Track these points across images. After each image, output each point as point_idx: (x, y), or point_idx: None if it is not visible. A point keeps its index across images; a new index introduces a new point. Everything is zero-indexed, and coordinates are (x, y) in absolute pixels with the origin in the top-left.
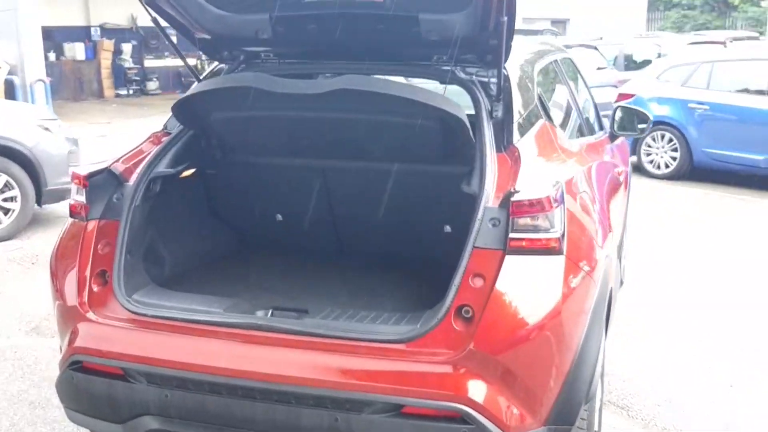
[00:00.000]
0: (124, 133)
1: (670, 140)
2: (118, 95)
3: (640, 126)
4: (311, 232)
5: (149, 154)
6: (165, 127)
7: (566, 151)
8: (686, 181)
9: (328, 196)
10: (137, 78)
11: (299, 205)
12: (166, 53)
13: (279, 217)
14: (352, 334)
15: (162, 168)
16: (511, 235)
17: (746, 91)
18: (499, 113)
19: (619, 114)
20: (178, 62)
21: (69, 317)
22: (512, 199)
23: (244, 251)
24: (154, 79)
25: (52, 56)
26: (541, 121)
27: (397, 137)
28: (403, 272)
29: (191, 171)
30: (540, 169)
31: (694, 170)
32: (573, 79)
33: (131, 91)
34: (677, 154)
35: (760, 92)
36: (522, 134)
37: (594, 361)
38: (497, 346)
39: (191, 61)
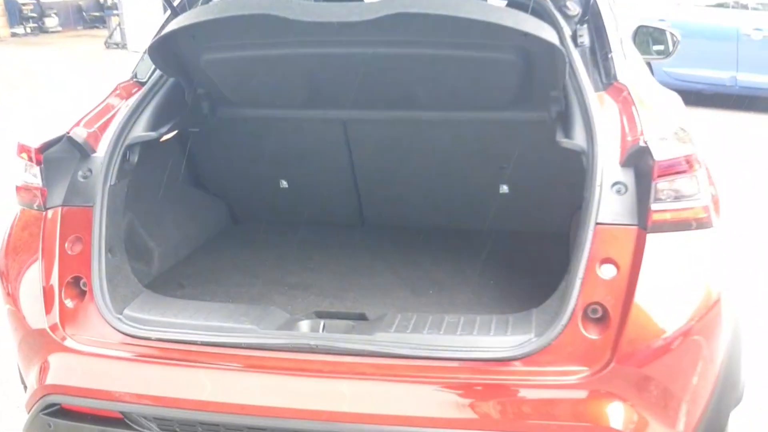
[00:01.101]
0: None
1: None
2: (14, 35)
3: (657, 48)
4: (326, 202)
5: (119, 112)
6: (134, 75)
7: (661, 88)
8: None
9: (349, 155)
10: (34, 15)
11: (311, 167)
12: None
13: (284, 183)
14: (446, 352)
15: (140, 131)
16: (654, 205)
17: (710, 6)
18: (585, 39)
19: (640, 35)
20: None
21: (35, 343)
22: (655, 156)
23: (242, 231)
24: (53, 15)
25: None
26: (633, 50)
27: (460, 77)
28: (458, 251)
29: (174, 132)
30: (660, 114)
31: None
32: None
33: (28, 30)
34: None
35: (722, 5)
36: (620, 68)
37: (741, 355)
38: (645, 357)
39: None
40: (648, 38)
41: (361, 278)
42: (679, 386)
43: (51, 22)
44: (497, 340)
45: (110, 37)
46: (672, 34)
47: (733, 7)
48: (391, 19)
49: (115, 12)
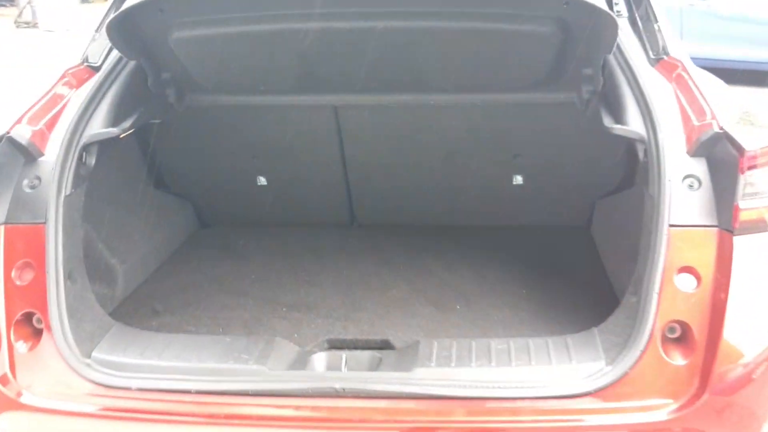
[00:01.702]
0: None
1: None
2: None
3: None
4: (311, 200)
5: (69, 104)
6: (84, 59)
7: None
8: None
9: (340, 146)
10: None
11: (295, 160)
12: None
13: (261, 180)
14: (507, 390)
15: (98, 127)
16: (742, 203)
17: None
18: (621, 8)
19: None
20: None
21: None
22: (745, 146)
23: (212, 237)
24: None
25: None
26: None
27: (483, 54)
28: (472, 252)
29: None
30: (720, 95)
31: None
32: None
33: None
34: None
35: None
36: (670, 40)
37: None
38: (738, 383)
39: None
40: None
41: (370, 292)
42: (764, 410)
43: None
44: (561, 370)
45: (20, 16)
46: None
47: None
48: None
49: None
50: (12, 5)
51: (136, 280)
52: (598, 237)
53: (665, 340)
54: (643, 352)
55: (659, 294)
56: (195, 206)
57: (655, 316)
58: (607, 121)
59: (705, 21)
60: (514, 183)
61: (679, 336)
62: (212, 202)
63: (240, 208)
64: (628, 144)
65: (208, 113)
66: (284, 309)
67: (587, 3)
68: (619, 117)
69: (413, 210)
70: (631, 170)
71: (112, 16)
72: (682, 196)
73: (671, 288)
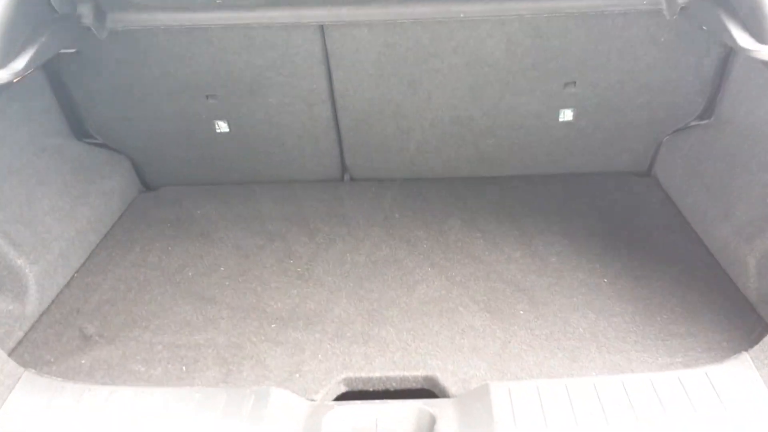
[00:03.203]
0: None
1: None
2: None
3: None
4: (290, 149)
5: None
6: None
7: None
8: None
9: (328, 77)
10: None
11: (266, 100)
12: None
13: (221, 126)
14: None
15: None
16: None
17: None
18: None
19: None
20: None
21: None
22: None
23: (159, 202)
24: None
25: None
26: None
27: None
28: (516, 216)
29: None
30: None
31: None
32: None
33: None
34: None
35: None
36: None
37: None
38: None
39: None
40: None
41: (390, 289)
42: None
43: None
44: (713, 427)
45: None
46: None
47: None
48: None
49: None
50: None
51: (54, 287)
52: (672, 187)
53: None
54: None
55: None
56: (133, 162)
57: None
58: (743, 40)
59: None
60: (561, 119)
61: None
62: (157, 156)
63: (194, 162)
64: (719, 64)
65: (142, 38)
66: (273, 326)
67: None
68: (761, 33)
69: (425, 159)
70: (714, 98)
71: None
72: None
73: None
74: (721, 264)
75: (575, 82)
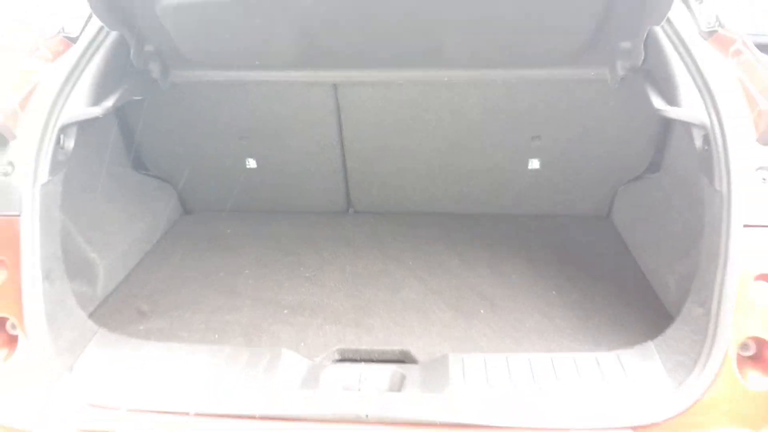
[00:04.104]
0: None
1: None
2: None
3: None
4: (305, 184)
5: (45, 81)
6: (61, 29)
7: None
8: None
9: (338, 126)
10: None
11: (289, 142)
12: None
13: (251, 163)
14: (553, 420)
15: (78, 106)
16: None
17: None
18: None
19: None
20: None
21: None
22: None
23: (198, 225)
24: None
25: None
26: None
27: (516, 25)
28: (483, 244)
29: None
30: None
31: None
32: None
33: None
34: None
35: None
36: (723, 11)
37: None
38: None
39: None
40: None
41: (380, 292)
42: None
43: None
44: (619, 395)
45: None
46: None
47: None
48: None
49: None
50: None
51: (118, 276)
52: (623, 227)
53: (740, 359)
54: (717, 375)
55: (734, 305)
56: (178, 191)
57: (729, 332)
58: (657, 102)
59: None
60: (530, 168)
61: (754, 354)
62: (197, 186)
63: (227, 192)
64: (662, 125)
65: (194, 90)
66: (286, 312)
67: None
68: (671, 98)
69: (417, 196)
70: (660, 154)
71: None
72: (755, 191)
73: (746, 299)
74: (652, 285)
75: (540, 137)
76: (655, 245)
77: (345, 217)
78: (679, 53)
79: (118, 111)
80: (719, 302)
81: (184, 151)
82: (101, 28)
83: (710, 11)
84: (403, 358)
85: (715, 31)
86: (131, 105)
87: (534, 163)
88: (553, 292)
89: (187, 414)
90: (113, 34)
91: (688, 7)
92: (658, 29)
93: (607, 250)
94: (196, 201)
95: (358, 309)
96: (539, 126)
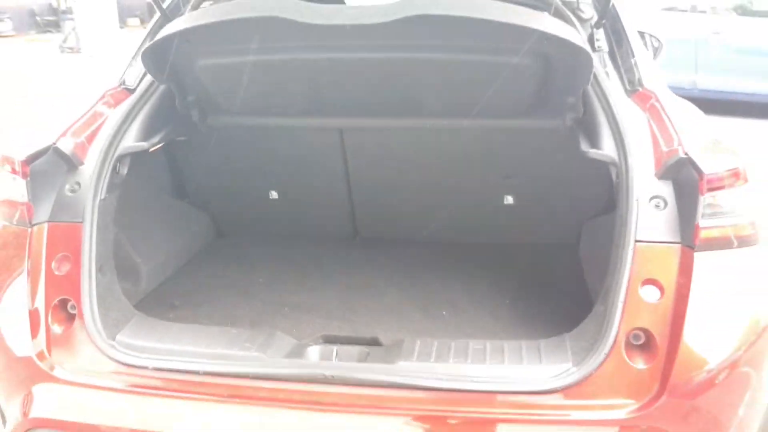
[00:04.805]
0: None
1: None
2: None
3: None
4: (318, 214)
5: (107, 121)
6: (122, 81)
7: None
8: None
9: (344, 164)
10: None
11: (303, 177)
12: None
13: (273, 194)
14: (480, 384)
15: (131, 141)
16: (703, 222)
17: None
18: (603, 44)
19: None
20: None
21: (19, 372)
22: (704, 170)
23: (228, 246)
24: (6, 19)
25: None
26: (649, 54)
27: (473, 83)
28: (463, 267)
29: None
30: (692, 124)
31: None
32: None
33: None
34: None
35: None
36: (646, 73)
37: None
38: (696, 388)
39: None
40: None
41: (366, 298)
42: (727, 417)
43: (4, 26)
44: (531, 369)
45: (65, 41)
46: (655, 38)
47: (690, 11)
48: (408, 22)
49: (69, 16)
50: (58, 31)
51: (157, 279)
52: (584, 256)
53: (630, 346)
54: (608, 356)
55: (624, 303)
56: (213, 217)
57: (620, 323)
58: (584, 146)
59: (721, 54)
60: (505, 203)
61: (643, 343)
62: (229, 214)
63: (254, 219)
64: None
65: (226, 132)
66: (287, 309)
67: (564, 39)
68: (594, 142)
69: (411, 226)
70: (614, 194)
71: (146, 45)
72: (648, 214)
73: (636, 298)
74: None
75: (511, 177)
76: (599, 268)
77: (352, 243)
78: (603, 107)
79: (166, 149)
80: (613, 301)
81: (219, 184)
82: (153, 82)
83: (636, 75)
84: (372, 342)
85: (637, 90)
86: (177, 144)
87: (509, 199)
88: (507, 301)
89: (197, 372)
90: (162, 87)
91: (619, 72)
92: (589, 88)
93: (565, 273)
94: (227, 225)
95: (345, 310)
96: (509, 167)
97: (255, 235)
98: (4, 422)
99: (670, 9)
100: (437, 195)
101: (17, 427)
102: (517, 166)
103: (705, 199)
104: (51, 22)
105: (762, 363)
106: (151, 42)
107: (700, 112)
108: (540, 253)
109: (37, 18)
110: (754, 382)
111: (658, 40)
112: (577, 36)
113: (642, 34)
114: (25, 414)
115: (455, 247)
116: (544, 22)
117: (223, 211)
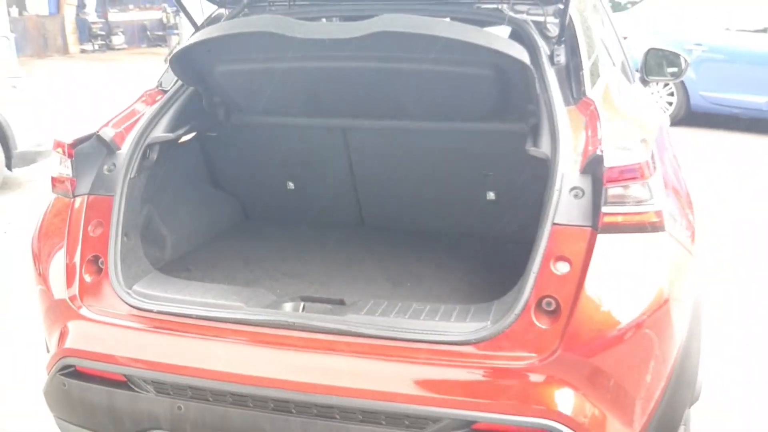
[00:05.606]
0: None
1: (666, 84)
2: (83, 51)
3: (671, 70)
4: (328, 203)
5: (143, 116)
6: (159, 84)
7: (637, 102)
8: (684, 126)
9: (349, 161)
10: (102, 32)
11: (315, 171)
12: (131, 5)
13: (290, 185)
14: (408, 334)
15: (159, 132)
16: (605, 209)
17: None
18: (561, 58)
19: (651, 57)
20: (144, 15)
21: (57, 312)
22: (605, 164)
23: (251, 226)
24: (119, 33)
25: (14, 11)
26: (609, 67)
27: (442, 90)
28: (444, 252)
29: (191, 135)
30: (623, 126)
31: (692, 115)
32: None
33: (96, 46)
34: (674, 99)
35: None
36: (593, 83)
37: (698, 355)
38: (592, 347)
39: (155, 14)
40: (662, 60)
41: (348, 270)
42: (629, 381)
43: (117, 40)
44: (456, 326)
45: (170, 54)
46: (683, 58)
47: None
48: (375, 37)
49: (175, 31)
50: (165, 45)
51: (181, 249)
52: None
53: (539, 310)
54: (519, 317)
55: (537, 275)
56: (241, 202)
57: (532, 290)
58: (528, 145)
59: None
60: (488, 198)
61: (554, 309)
62: (254, 200)
63: (275, 206)
64: None
65: (248, 129)
66: (279, 275)
67: (510, 56)
68: (537, 142)
69: (407, 215)
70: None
71: (174, 53)
72: (566, 202)
73: (547, 271)
74: None
75: (491, 174)
76: None
77: (358, 229)
78: (548, 113)
79: (202, 143)
80: (529, 272)
81: (245, 175)
82: (183, 84)
83: (582, 86)
84: (338, 302)
85: (581, 99)
86: (210, 140)
87: (491, 195)
88: (468, 278)
89: (190, 316)
90: (191, 88)
91: (569, 82)
92: (540, 96)
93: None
94: (252, 211)
95: (328, 278)
96: (489, 166)
97: (276, 219)
98: (48, 350)
99: (758, 31)
100: (429, 189)
101: (54, 356)
102: (493, 165)
103: (608, 189)
104: (160, 36)
105: (661, 333)
106: (177, 50)
107: (655, 119)
108: (514, 244)
109: (148, 33)
110: (654, 351)
111: (686, 60)
112: (520, 51)
113: (676, 54)
114: (59, 345)
115: (441, 235)
116: (489, 39)
117: (249, 198)
